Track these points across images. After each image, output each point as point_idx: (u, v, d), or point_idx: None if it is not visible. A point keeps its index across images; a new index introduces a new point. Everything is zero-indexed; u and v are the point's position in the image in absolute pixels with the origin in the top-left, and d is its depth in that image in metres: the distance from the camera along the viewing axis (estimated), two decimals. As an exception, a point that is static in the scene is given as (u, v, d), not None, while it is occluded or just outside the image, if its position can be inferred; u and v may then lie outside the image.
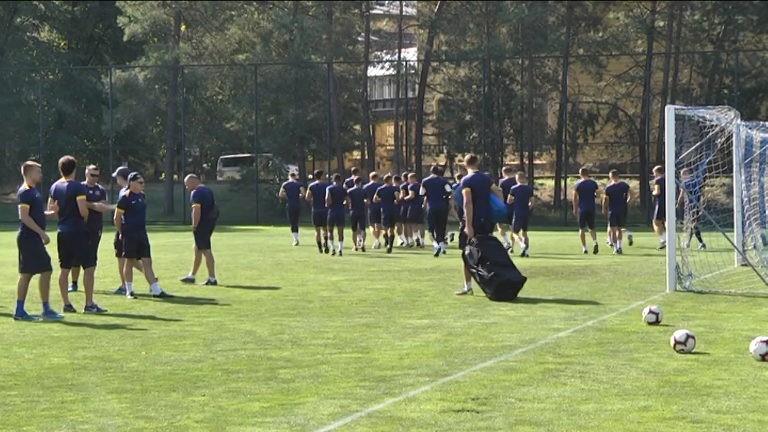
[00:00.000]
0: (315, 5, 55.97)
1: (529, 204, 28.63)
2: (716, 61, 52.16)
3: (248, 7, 58.09)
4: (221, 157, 64.86)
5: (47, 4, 67.11)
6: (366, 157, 59.80)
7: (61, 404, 9.46)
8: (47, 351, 12.41)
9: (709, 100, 48.88)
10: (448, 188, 27.72)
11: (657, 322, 14.03)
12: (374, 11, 62.97)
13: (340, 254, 27.55)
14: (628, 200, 28.74)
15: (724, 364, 11.16)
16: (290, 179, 33.63)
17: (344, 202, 28.67)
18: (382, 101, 72.23)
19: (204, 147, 66.56)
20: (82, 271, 17.01)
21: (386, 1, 65.00)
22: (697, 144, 20.13)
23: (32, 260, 15.38)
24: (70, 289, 17.34)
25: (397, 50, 58.95)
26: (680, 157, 19.62)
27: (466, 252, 17.58)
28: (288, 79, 54.38)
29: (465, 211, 17.54)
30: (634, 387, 9.98)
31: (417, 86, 57.18)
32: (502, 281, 17.16)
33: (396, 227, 30.39)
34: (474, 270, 17.47)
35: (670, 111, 18.62)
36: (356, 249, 29.19)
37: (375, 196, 29.72)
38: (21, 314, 15.28)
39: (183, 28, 58.80)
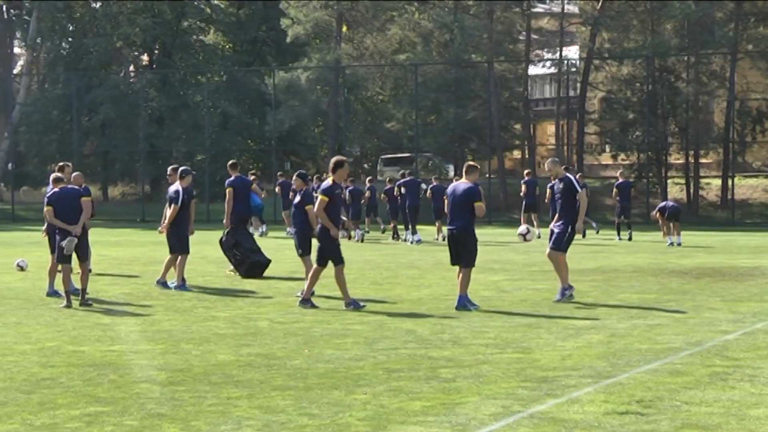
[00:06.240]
0: (476, 4, 55.84)
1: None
2: None
3: (409, 7, 58.31)
4: (381, 156, 65.27)
5: (213, 6, 68.62)
6: (527, 156, 59.50)
7: (227, 400, 9.62)
8: (213, 348, 12.65)
9: None
10: (423, 186, 34.45)
11: (830, 326, 13.59)
12: (536, 9, 62.60)
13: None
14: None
15: None
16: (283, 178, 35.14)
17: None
18: (543, 100, 71.69)
19: (365, 147, 67.14)
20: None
21: (548, -1, 64.57)
22: None
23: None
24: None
25: (558, 48, 58.43)
26: None
27: (223, 239, 21.39)
28: (448, 79, 54.44)
29: (227, 206, 21.28)
30: (806, 392, 9.67)
31: (579, 84, 56.58)
32: (252, 262, 21.04)
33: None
34: (229, 254, 21.26)
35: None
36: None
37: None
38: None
39: (344, 29, 59.43)
